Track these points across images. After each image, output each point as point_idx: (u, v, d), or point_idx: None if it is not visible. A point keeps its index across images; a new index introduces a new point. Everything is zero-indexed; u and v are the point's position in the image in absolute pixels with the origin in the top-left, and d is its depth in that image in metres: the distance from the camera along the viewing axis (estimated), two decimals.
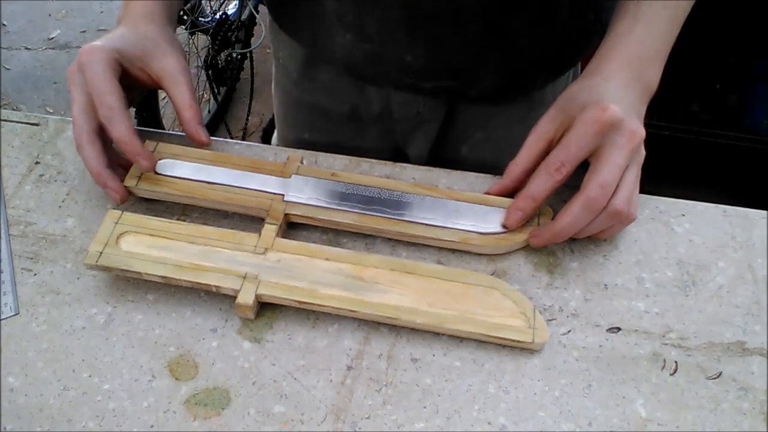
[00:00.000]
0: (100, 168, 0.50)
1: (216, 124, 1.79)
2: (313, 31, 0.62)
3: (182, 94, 0.53)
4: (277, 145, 0.80)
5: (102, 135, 0.51)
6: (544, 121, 0.50)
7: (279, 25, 0.67)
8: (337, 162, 0.58)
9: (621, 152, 0.46)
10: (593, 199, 0.46)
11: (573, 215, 0.47)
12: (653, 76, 0.50)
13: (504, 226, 0.50)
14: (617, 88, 0.48)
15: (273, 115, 0.86)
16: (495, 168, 0.71)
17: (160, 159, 0.54)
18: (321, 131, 0.73)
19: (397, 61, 0.60)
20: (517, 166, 0.51)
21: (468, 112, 0.68)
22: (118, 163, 0.53)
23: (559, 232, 0.48)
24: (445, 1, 0.55)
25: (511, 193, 0.52)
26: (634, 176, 0.47)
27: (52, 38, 2.15)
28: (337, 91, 0.68)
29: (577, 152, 0.46)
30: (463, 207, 0.52)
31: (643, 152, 0.48)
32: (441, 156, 0.72)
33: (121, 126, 0.50)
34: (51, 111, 1.93)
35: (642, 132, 0.47)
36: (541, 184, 0.48)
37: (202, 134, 0.54)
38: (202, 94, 1.74)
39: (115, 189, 0.51)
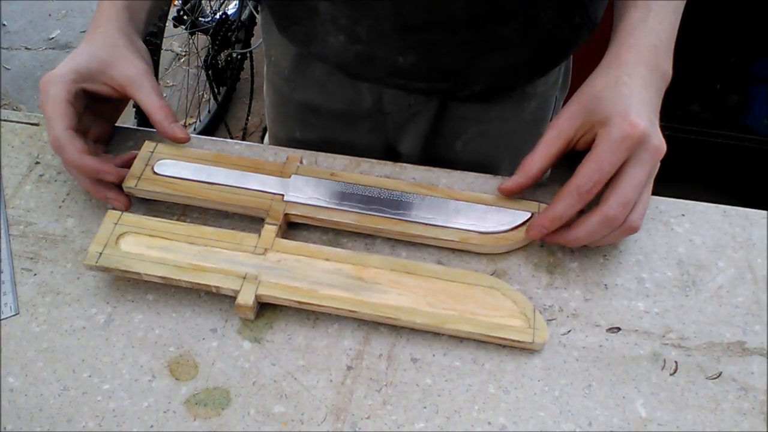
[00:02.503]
0: (95, 183, 0.52)
1: (216, 124, 1.79)
2: (306, 30, 0.62)
3: (148, 97, 0.53)
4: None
5: (91, 147, 0.52)
6: (564, 117, 0.49)
7: (274, 23, 0.67)
8: (337, 162, 0.58)
9: (644, 169, 0.45)
10: (612, 218, 0.45)
11: (589, 229, 0.46)
12: (668, 65, 0.50)
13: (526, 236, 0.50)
14: (640, 87, 0.47)
15: None
16: (492, 164, 0.71)
17: (160, 159, 0.54)
18: (313, 129, 0.73)
19: (388, 63, 0.60)
20: (534, 164, 0.49)
21: (461, 107, 0.68)
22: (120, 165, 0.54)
23: (572, 242, 0.48)
24: (435, 11, 0.55)
25: (526, 190, 0.52)
26: (649, 190, 0.47)
27: (52, 38, 2.15)
28: (330, 87, 0.68)
29: (610, 171, 0.45)
30: (463, 207, 0.52)
31: (658, 164, 0.47)
32: (436, 154, 0.72)
33: (69, 151, 0.50)
34: None
35: (664, 146, 0.46)
36: (571, 207, 0.47)
37: (178, 132, 0.54)
38: (202, 94, 1.74)
39: (115, 198, 0.52)
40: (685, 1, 0.52)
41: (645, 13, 0.49)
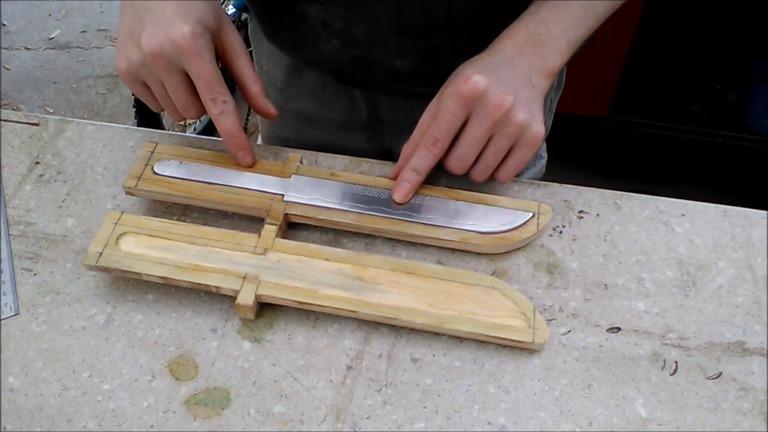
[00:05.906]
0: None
1: None
2: (296, 36, 0.61)
3: (246, 67, 0.52)
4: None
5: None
6: (433, 100, 0.50)
7: (262, 32, 0.66)
8: (337, 162, 0.58)
9: (480, 125, 0.47)
10: (450, 170, 0.50)
11: (412, 150, 0.50)
12: (552, 58, 0.50)
13: (394, 201, 0.52)
14: (501, 60, 0.49)
15: None
16: None
17: (160, 159, 0.54)
18: (308, 138, 0.72)
19: (386, 67, 0.60)
20: (409, 147, 0.52)
21: None
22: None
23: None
24: (435, 14, 0.54)
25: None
26: (501, 147, 0.48)
27: (52, 38, 2.16)
28: (324, 97, 0.67)
29: (448, 126, 0.48)
30: (463, 207, 0.52)
31: (516, 121, 0.47)
32: None
33: (233, 118, 0.50)
34: (51, 111, 1.93)
35: (507, 103, 0.46)
36: (422, 159, 0.50)
37: (270, 107, 0.54)
38: None
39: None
40: (609, 5, 0.52)
41: (539, 5, 0.51)
